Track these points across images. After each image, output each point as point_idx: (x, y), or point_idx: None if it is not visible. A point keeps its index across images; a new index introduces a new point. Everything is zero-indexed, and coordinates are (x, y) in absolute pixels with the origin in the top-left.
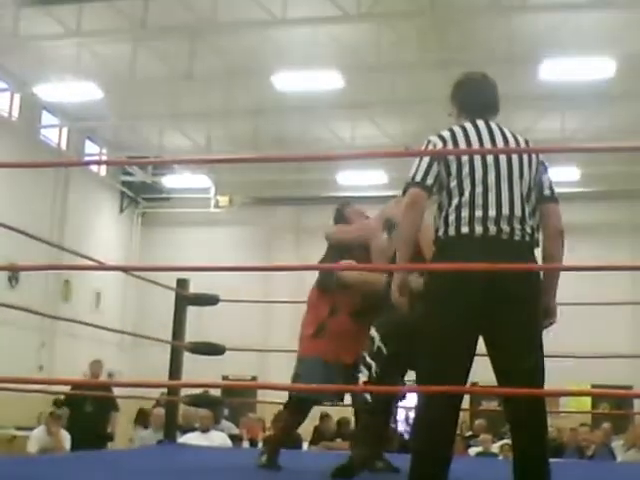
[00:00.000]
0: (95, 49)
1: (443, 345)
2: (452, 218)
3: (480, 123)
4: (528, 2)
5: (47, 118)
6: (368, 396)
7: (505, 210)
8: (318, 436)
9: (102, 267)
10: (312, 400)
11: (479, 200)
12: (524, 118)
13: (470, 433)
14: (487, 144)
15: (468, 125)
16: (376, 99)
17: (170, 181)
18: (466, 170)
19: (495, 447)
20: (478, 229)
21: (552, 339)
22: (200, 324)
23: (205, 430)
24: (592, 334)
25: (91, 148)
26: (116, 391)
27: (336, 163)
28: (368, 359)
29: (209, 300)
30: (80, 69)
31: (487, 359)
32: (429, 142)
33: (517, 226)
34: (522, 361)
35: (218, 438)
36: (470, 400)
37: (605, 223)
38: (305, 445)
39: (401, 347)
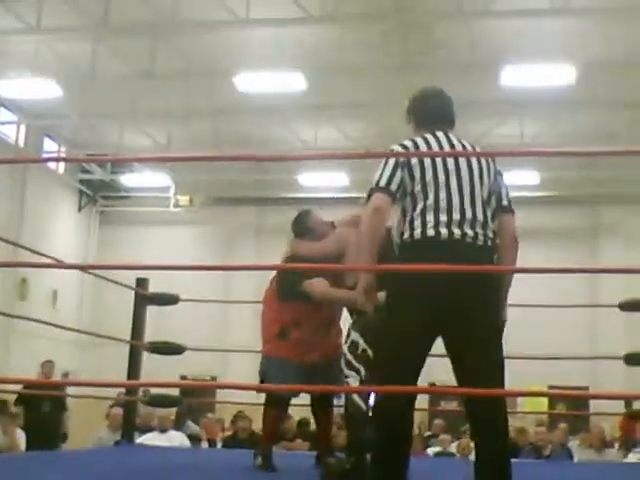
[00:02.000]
0: (55, 46)
1: (403, 344)
2: (418, 222)
3: (439, 134)
4: (491, 8)
5: (5, 115)
6: (361, 402)
7: (468, 214)
8: (278, 436)
9: (60, 265)
10: (286, 397)
11: (443, 204)
12: (484, 123)
13: (429, 433)
14: None
15: (429, 136)
16: (338, 101)
17: (129, 180)
18: (429, 175)
19: (453, 447)
20: (444, 232)
21: (509, 341)
22: (160, 323)
23: (163, 430)
24: (549, 336)
25: (50, 146)
26: (72, 390)
27: (297, 164)
28: (355, 363)
29: (169, 299)
30: (39, 66)
31: (445, 360)
32: (392, 151)
33: (480, 230)
34: (484, 361)
35: (177, 438)
36: (429, 400)
37: (565, 227)
38: None
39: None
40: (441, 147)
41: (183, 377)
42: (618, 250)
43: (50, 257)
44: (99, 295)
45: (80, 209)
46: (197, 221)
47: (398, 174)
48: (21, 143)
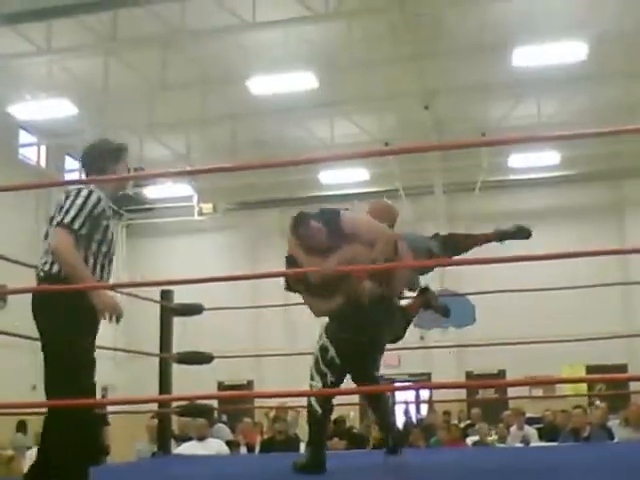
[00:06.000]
0: (67, 65)
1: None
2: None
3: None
4: None
5: (25, 137)
6: (317, 406)
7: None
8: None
9: (89, 286)
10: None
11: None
12: (501, 105)
13: (468, 422)
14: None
15: None
16: (351, 97)
17: (152, 192)
18: None
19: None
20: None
21: (546, 324)
22: (194, 333)
23: (202, 438)
24: (584, 316)
25: (71, 164)
26: (110, 407)
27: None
28: (323, 367)
29: (194, 310)
30: (53, 86)
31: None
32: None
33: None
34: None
35: (215, 446)
36: (467, 390)
37: (589, 204)
38: (303, 446)
39: (351, 362)
40: None
41: (220, 383)
42: None
43: None
44: (133, 308)
45: None
46: (222, 227)
47: None
48: (42, 164)
